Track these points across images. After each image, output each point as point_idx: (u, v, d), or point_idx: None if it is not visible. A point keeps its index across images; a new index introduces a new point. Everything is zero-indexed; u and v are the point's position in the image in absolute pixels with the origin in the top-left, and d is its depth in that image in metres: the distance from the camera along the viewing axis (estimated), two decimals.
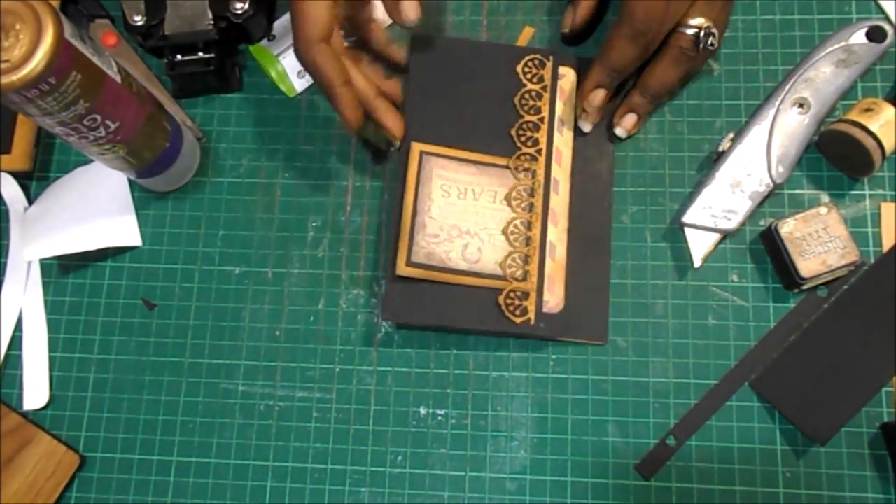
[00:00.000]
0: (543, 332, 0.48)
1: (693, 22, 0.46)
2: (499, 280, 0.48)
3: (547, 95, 0.51)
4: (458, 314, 0.48)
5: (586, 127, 0.51)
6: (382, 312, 0.49)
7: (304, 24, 0.44)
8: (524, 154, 0.50)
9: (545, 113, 0.51)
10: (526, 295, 0.48)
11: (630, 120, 0.50)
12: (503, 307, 0.48)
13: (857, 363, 0.47)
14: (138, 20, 0.51)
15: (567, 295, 0.49)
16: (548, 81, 0.52)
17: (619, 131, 0.51)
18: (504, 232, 0.49)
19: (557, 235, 0.50)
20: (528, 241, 0.49)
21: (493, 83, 0.52)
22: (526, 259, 0.49)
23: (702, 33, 0.46)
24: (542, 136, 0.51)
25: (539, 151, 0.50)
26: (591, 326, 0.49)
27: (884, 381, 0.47)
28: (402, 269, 0.48)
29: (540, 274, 0.49)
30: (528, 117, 0.51)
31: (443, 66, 0.52)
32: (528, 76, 0.52)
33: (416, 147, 0.50)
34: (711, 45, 0.47)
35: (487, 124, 0.51)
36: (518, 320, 0.48)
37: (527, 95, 0.51)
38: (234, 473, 0.50)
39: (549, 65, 0.52)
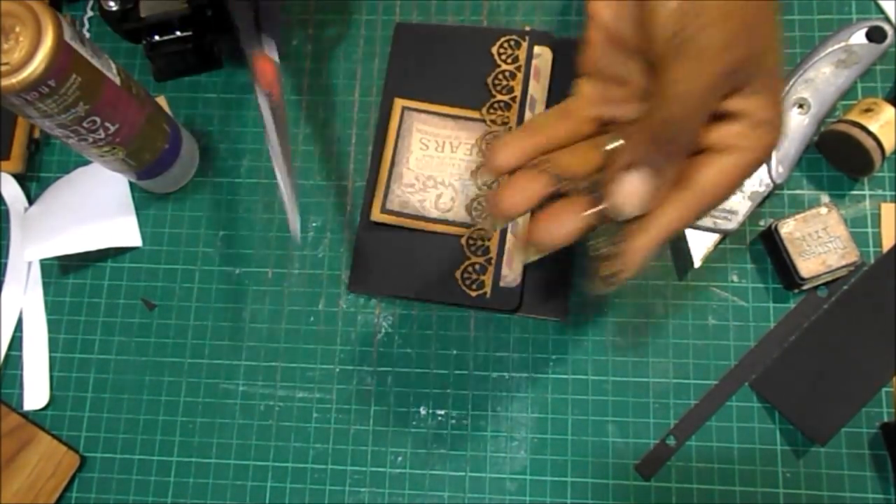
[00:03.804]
0: (499, 306, 0.49)
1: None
2: (467, 228, 0.50)
3: (520, 75, 0.52)
4: (417, 286, 0.50)
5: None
6: (349, 286, 0.51)
7: None
8: (492, 133, 0.52)
9: (517, 92, 0.52)
10: (484, 269, 0.49)
11: (633, 183, 0.30)
12: (460, 281, 0.50)
13: (857, 363, 0.47)
14: (113, 5, 0.51)
15: (525, 270, 0.50)
16: (522, 61, 0.52)
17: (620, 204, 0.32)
18: (468, 209, 0.50)
19: None
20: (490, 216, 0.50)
21: (467, 65, 0.53)
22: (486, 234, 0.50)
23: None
24: (512, 115, 0.52)
25: (509, 130, 0.52)
26: (549, 303, 0.49)
27: (884, 381, 0.47)
28: (377, 216, 0.50)
29: (499, 248, 0.50)
30: (499, 97, 0.52)
31: (422, 49, 0.54)
32: (503, 57, 0.53)
33: (399, 103, 0.52)
34: None
35: (460, 104, 0.52)
36: (474, 294, 0.49)
37: (500, 76, 0.52)
38: (234, 473, 0.50)
39: (525, 45, 0.53)
